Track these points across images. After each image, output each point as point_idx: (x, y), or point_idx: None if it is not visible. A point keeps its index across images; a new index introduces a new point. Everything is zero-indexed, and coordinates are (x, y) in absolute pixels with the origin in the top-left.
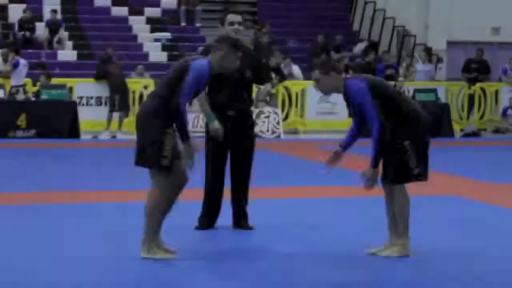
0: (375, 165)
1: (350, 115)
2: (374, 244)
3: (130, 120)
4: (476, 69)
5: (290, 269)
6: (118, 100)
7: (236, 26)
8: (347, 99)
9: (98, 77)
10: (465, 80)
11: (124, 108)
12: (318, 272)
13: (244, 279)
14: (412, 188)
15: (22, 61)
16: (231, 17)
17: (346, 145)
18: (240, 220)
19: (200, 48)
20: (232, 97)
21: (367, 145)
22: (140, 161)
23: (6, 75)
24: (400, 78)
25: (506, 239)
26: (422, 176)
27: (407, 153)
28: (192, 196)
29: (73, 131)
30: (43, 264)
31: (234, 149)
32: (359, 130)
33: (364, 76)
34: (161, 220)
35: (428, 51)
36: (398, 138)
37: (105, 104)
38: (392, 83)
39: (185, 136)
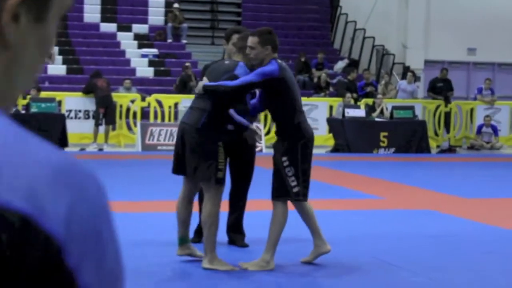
0: (207, 86)
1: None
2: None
3: (117, 133)
4: (442, 87)
5: (279, 279)
6: (103, 114)
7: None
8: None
9: (86, 91)
10: (432, 98)
11: (110, 121)
12: (305, 283)
13: None
14: (391, 202)
15: None
16: (235, 37)
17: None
18: (236, 235)
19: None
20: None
21: (348, 160)
22: (199, 175)
23: None
24: (379, 96)
25: (477, 253)
26: (300, 196)
27: (287, 174)
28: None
29: (62, 143)
30: None
31: (234, 163)
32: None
33: (284, 67)
34: (217, 231)
35: (404, 70)
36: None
37: (93, 117)
38: (371, 100)
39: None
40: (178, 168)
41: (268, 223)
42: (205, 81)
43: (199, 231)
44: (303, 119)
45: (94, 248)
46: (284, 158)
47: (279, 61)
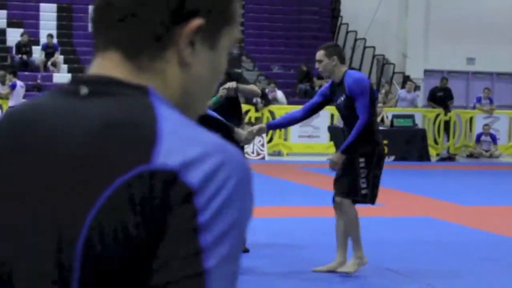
0: (343, 151)
1: (338, 109)
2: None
3: None
4: (442, 96)
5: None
6: None
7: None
8: (339, 89)
9: None
10: (431, 107)
11: None
12: None
13: None
14: (391, 209)
15: (19, 83)
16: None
17: (278, 123)
18: None
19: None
20: (223, 117)
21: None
22: None
23: (5, 97)
24: (380, 104)
25: (476, 259)
26: (367, 199)
27: (360, 174)
28: None
29: None
30: None
31: None
32: (295, 120)
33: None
34: None
35: (404, 79)
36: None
37: None
38: None
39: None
40: None
41: (273, 230)
42: None
43: None
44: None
45: (220, 200)
46: (361, 159)
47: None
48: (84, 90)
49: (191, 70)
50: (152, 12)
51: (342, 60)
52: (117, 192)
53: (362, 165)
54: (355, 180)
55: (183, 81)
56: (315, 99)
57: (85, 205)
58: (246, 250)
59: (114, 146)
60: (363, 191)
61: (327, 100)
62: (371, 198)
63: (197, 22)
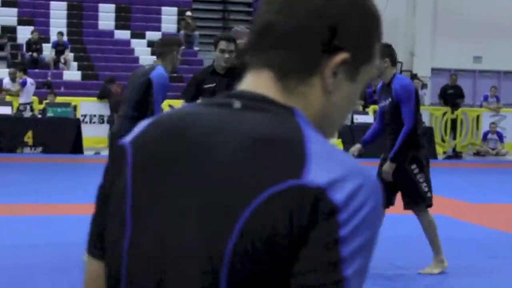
0: (393, 159)
1: (381, 113)
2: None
3: None
4: (452, 94)
5: None
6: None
7: (226, 55)
8: (386, 91)
9: (101, 96)
10: (442, 105)
11: None
12: None
13: None
14: (399, 207)
15: (30, 80)
16: (222, 44)
17: (370, 138)
18: None
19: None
20: None
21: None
22: None
23: (15, 94)
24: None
25: (483, 257)
26: (431, 201)
27: (419, 180)
28: None
29: (77, 147)
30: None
31: None
32: (380, 131)
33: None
34: None
35: (411, 77)
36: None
37: (107, 122)
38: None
39: None
40: None
41: None
42: (128, 88)
43: None
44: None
45: (358, 218)
46: (413, 166)
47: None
48: (237, 104)
49: (331, 98)
50: (307, 42)
51: (393, 63)
52: (267, 201)
53: (416, 171)
54: (416, 188)
55: (323, 107)
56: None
57: (234, 212)
58: None
59: (265, 159)
60: (428, 195)
61: None
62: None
63: (343, 55)
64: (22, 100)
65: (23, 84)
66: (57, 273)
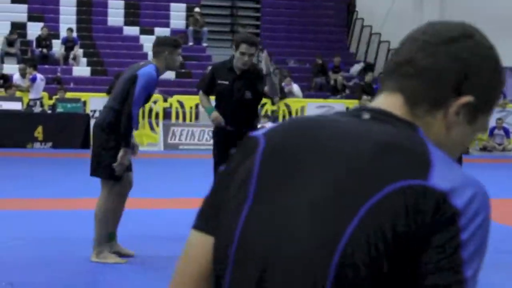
0: None
1: None
2: None
3: (139, 133)
4: None
5: None
6: None
7: (246, 58)
8: None
9: (110, 92)
10: None
11: None
12: None
13: None
14: None
15: (40, 76)
16: (244, 47)
17: None
18: None
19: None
20: (232, 116)
21: None
22: (95, 171)
23: (25, 89)
24: None
25: (490, 252)
26: None
27: None
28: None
29: (86, 142)
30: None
31: None
32: None
33: None
34: (110, 226)
35: None
36: None
37: None
38: None
39: (126, 143)
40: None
41: None
42: (118, 81)
43: None
44: None
45: (476, 224)
46: None
47: None
48: (366, 115)
49: (450, 133)
50: (440, 79)
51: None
52: (390, 195)
53: None
54: None
55: (441, 138)
56: None
57: (356, 203)
58: None
59: (392, 160)
60: None
61: None
62: None
63: (468, 98)
64: (32, 95)
65: (33, 80)
66: (57, 266)
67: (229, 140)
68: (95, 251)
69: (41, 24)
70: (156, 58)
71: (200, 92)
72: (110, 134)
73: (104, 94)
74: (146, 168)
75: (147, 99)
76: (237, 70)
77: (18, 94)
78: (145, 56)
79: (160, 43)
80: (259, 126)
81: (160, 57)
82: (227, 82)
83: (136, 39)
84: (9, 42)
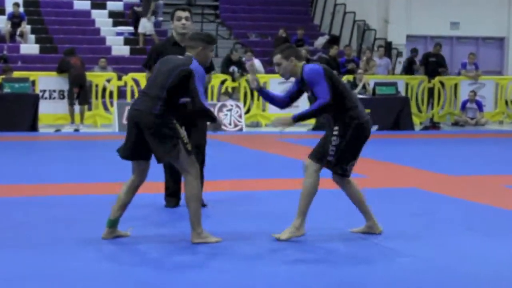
0: (294, 118)
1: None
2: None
3: (93, 114)
4: (434, 62)
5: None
6: (77, 93)
7: (183, 21)
8: (303, 83)
9: (60, 70)
10: (424, 73)
11: (83, 101)
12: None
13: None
14: (375, 180)
15: None
16: (178, 13)
17: (269, 94)
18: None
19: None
20: None
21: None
22: (167, 155)
23: None
24: (360, 71)
25: (463, 230)
26: (333, 166)
27: (331, 142)
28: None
29: (34, 125)
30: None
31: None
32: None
33: (321, 64)
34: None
35: (386, 45)
36: (333, 127)
37: (68, 97)
38: (351, 76)
39: (214, 119)
40: (134, 153)
41: (252, 202)
42: (161, 71)
43: (172, 195)
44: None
45: None
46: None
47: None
48: None
49: None
50: None
51: (299, 58)
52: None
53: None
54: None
55: None
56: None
57: None
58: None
59: None
60: (329, 158)
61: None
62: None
63: None
64: None
65: None
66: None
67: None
68: (195, 232)
69: None
70: (191, 52)
71: (146, 71)
72: (163, 121)
73: (54, 73)
74: (101, 150)
75: None
76: (179, 41)
77: None
78: (97, 31)
79: (194, 38)
80: (219, 103)
81: (194, 51)
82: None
83: (87, 13)
84: None
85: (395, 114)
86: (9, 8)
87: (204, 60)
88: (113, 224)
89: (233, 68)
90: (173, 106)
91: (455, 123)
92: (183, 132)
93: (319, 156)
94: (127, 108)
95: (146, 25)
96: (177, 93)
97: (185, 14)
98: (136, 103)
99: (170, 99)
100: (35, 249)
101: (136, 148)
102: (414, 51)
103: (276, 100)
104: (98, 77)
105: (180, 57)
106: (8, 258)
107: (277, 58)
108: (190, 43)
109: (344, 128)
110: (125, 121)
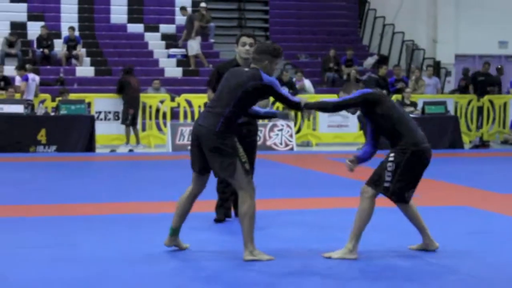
0: (305, 106)
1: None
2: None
3: (147, 134)
4: (483, 81)
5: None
6: (132, 114)
7: (247, 47)
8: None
9: (120, 89)
10: (473, 92)
11: (135, 122)
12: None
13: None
14: (426, 199)
15: (31, 76)
16: (243, 38)
17: (361, 157)
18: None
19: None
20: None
21: (380, 158)
22: (223, 172)
23: (21, 91)
24: (408, 90)
25: None
26: (390, 193)
27: (386, 168)
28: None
29: (90, 145)
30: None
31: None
32: (374, 145)
33: (377, 90)
34: (254, 222)
35: (434, 65)
36: (389, 153)
37: (123, 118)
38: (400, 95)
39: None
40: (201, 168)
41: (305, 221)
42: (229, 85)
43: (221, 206)
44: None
45: None
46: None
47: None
48: None
49: None
50: None
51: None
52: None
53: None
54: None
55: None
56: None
57: None
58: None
59: None
60: (386, 184)
61: None
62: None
63: None
64: (25, 96)
65: (25, 80)
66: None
67: (239, 133)
68: (247, 250)
69: (41, 23)
70: (257, 65)
71: (209, 91)
72: (223, 139)
73: (109, 95)
74: (154, 171)
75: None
76: (242, 65)
77: (17, 96)
78: (150, 54)
79: (260, 51)
80: (270, 124)
81: (260, 65)
82: None
83: (140, 36)
84: (9, 43)
85: (444, 132)
86: (65, 32)
87: (269, 73)
88: (174, 232)
89: (284, 89)
90: (234, 123)
91: (505, 142)
92: (242, 151)
93: (376, 182)
94: (180, 128)
95: (193, 46)
96: (243, 108)
97: (250, 40)
98: (200, 118)
99: (234, 115)
100: (96, 264)
101: (201, 163)
102: (466, 71)
103: (367, 156)
104: (152, 98)
105: (247, 69)
106: (73, 274)
107: (341, 94)
108: (256, 56)
109: (400, 155)
110: (178, 142)
